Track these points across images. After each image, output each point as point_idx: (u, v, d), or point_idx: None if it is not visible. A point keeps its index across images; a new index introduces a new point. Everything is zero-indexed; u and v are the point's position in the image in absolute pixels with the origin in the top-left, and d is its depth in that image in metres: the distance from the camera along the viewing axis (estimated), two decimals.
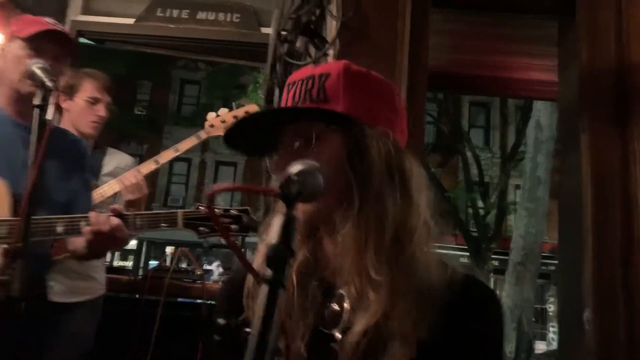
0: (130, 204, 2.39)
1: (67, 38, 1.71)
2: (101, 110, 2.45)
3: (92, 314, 2.47)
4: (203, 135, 2.71)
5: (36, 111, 1.42)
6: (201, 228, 1.67)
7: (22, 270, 1.22)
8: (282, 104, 0.96)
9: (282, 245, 0.64)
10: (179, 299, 3.01)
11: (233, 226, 1.69)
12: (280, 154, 0.93)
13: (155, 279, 3.00)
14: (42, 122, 1.43)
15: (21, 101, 1.67)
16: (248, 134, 0.96)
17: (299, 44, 1.39)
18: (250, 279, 0.92)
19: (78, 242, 1.60)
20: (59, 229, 1.55)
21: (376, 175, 0.86)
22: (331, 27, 1.45)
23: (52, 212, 1.59)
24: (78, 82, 2.44)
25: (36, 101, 1.44)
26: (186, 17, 3.86)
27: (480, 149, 16.58)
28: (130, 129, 19.12)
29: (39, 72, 1.51)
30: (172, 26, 3.82)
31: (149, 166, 2.56)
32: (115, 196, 2.44)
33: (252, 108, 2.84)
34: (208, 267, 6.08)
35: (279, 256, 0.63)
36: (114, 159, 2.63)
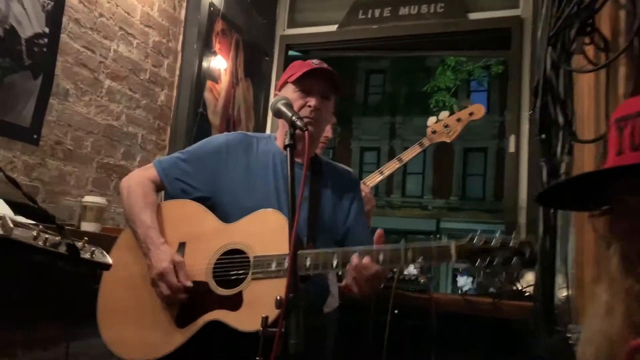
0: None
1: (333, 76, 1.69)
2: (329, 132, 2.45)
3: (330, 327, 2.50)
4: (426, 142, 2.56)
5: (288, 151, 1.40)
6: (479, 261, 1.42)
7: (297, 324, 1.18)
8: (612, 147, 0.75)
9: None
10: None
11: (514, 260, 1.41)
12: (627, 220, 0.72)
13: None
14: (293, 161, 1.40)
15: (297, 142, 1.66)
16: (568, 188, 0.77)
17: (573, 46, 1.14)
18: None
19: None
20: (334, 262, 1.47)
21: None
22: (613, 19, 1.17)
23: (328, 245, 1.57)
24: None
25: (286, 141, 1.41)
26: (388, 15, 3.75)
27: None
28: None
29: (284, 109, 1.49)
30: (374, 27, 3.74)
31: (374, 178, 2.50)
32: None
33: (477, 109, 2.59)
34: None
35: None
36: None
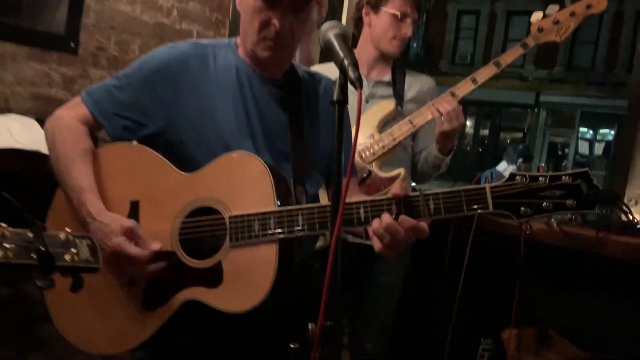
0: (444, 135, 2.02)
1: None
2: (407, 29, 2.06)
3: (400, 258, 2.26)
4: (530, 42, 2.10)
5: (336, 109, 1.01)
6: (523, 208, 1.15)
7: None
8: None
9: None
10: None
11: (568, 201, 1.14)
12: None
13: None
14: (341, 121, 1.03)
15: (260, 61, 1.36)
16: None
17: None
18: None
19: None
20: (362, 215, 1.20)
21: None
22: None
23: (318, 184, 1.41)
24: None
25: (335, 95, 1.02)
26: None
27: None
28: None
29: (336, 44, 1.07)
30: None
31: (465, 87, 2.05)
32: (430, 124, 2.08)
33: (596, 1, 2.00)
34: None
35: None
36: (415, 83, 2.23)
